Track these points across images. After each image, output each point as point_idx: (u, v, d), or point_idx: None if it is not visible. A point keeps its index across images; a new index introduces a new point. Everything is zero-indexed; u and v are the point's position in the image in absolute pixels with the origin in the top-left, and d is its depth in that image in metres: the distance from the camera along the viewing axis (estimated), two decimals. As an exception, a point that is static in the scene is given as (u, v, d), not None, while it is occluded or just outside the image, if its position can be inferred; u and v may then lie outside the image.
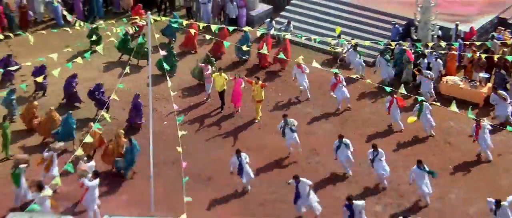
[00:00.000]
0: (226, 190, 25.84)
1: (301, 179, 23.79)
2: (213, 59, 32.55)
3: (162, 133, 28.24)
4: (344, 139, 26.07)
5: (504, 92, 29.33)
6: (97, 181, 23.48)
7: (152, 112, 23.38)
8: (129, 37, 33.60)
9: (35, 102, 28.96)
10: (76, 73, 30.11)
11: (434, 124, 28.51)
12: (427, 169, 24.52)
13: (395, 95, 28.29)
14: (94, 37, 33.80)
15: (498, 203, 22.81)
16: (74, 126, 27.48)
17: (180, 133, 22.27)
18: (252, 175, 25.50)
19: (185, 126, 29.22)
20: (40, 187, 22.17)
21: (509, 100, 29.05)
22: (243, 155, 25.32)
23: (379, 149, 25.48)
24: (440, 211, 24.97)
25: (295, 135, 27.01)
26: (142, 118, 28.98)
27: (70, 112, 27.47)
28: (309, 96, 31.51)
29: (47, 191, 20.93)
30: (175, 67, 32.79)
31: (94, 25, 33.76)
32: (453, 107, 21.91)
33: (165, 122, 29.44)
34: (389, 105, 28.79)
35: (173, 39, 35.91)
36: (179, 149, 22.12)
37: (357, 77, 30.72)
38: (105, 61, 34.25)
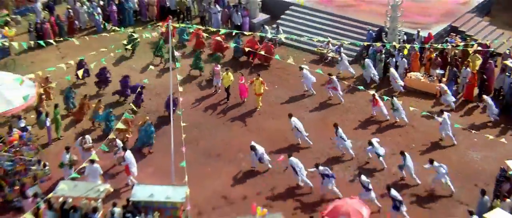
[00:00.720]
0: (232, 164, 25.98)
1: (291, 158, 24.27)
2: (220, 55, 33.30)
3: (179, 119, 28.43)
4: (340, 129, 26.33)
5: (443, 85, 29.79)
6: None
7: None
8: (164, 44, 33.32)
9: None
10: (128, 75, 30.40)
11: (403, 113, 28.65)
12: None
13: (376, 96, 28.66)
14: (129, 41, 33.38)
15: (431, 162, 24.10)
16: (154, 134, 26.58)
17: (182, 124, 22.82)
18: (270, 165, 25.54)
19: (199, 113, 29.45)
20: (92, 161, 23.01)
21: (449, 92, 29.60)
22: (258, 148, 25.20)
23: (339, 128, 26.09)
24: (405, 179, 25.15)
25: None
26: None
27: (150, 122, 26.80)
28: (314, 92, 31.30)
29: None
30: (202, 67, 32.84)
31: (130, 33, 33.60)
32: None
33: (183, 109, 29.54)
34: (373, 104, 29.08)
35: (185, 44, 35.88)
36: (183, 136, 22.79)
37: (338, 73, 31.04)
38: (136, 60, 34.40)
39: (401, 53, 32.10)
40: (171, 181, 23.12)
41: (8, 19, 37.34)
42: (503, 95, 29.92)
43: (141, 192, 21.73)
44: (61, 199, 21.88)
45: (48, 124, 27.01)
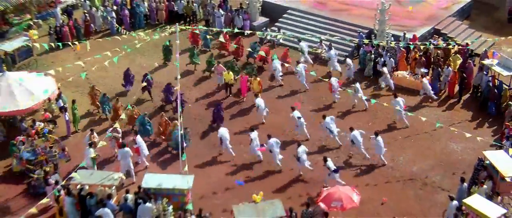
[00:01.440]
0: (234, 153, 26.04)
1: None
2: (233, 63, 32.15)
3: (188, 112, 28.53)
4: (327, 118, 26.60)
5: (425, 81, 30.23)
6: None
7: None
8: (195, 51, 33.14)
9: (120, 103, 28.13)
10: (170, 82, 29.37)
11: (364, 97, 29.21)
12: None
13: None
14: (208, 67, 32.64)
15: (376, 134, 25.18)
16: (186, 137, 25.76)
17: (180, 120, 22.84)
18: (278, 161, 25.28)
19: (202, 108, 29.46)
20: (123, 145, 24.04)
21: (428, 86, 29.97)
22: (273, 140, 25.04)
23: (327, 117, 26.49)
24: (393, 168, 25.29)
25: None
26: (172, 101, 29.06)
27: (188, 130, 26.21)
28: (308, 88, 31.29)
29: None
30: (196, 62, 32.90)
31: (208, 59, 32.68)
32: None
33: (190, 105, 29.68)
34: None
35: (209, 49, 35.21)
36: (181, 132, 22.75)
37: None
38: (147, 59, 34.47)
39: (389, 53, 32.14)
40: (179, 171, 23.19)
41: (31, 23, 37.52)
42: (481, 92, 29.97)
43: (151, 180, 21.87)
44: (78, 186, 22.02)
45: (67, 118, 27.13)
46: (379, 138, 25.17)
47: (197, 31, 34.59)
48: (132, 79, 30.75)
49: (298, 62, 31.57)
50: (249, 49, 33.52)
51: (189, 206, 21.34)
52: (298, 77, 31.06)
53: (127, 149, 24.07)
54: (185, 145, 23.88)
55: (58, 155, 24.62)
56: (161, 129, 26.68)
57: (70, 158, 25.02)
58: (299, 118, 26.79)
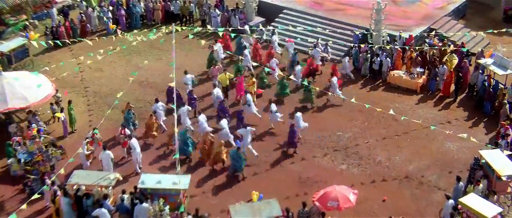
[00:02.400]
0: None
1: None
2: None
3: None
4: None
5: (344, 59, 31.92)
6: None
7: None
8: (214, 56, 32.75)
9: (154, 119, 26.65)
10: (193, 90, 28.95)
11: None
12: None
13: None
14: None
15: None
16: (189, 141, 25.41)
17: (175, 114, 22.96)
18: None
19: (200, 109, 29.47)
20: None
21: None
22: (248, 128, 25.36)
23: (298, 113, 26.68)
24: (389, 167, 25.31)
25: (277, 114, 27.37)
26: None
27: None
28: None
29: None
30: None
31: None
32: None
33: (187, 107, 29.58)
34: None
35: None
36: (175, 129, 22.87)
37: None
38: (143, 59, 34.33)
39: (385, 53, 32.16)
40: (176, 171, 23.15)
41: (27, 23, 37.44)
42: (477, 91, 30.00)
43: (148, 180, 21.81)
44: (75, 187, 21.97)
45: (63, 118, 27.06)
46: (298, 113, 26.55)
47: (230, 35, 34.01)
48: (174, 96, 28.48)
49: (298, 63, 31.51)
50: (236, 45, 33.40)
51: (181, 209, 21.24)
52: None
53: (108, 151, 24.05)
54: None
55: (54, 155, 24.53)
56: (149, 130, 26.37)
57: (64, 150, 24.99)
58: (249, 105, 27.63)
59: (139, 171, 24.57)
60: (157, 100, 27.41)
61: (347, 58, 32.50)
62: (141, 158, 24.93)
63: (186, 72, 29.84)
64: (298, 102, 29.52)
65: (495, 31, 32.36)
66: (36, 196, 20.72)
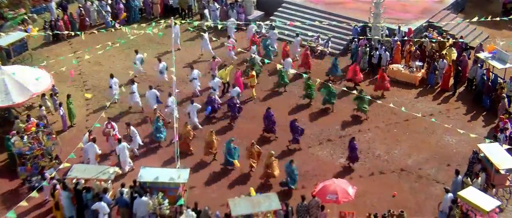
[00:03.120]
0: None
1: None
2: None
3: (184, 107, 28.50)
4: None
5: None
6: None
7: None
8: (232, 53, 32.71)
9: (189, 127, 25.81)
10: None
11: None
12: None
13: None
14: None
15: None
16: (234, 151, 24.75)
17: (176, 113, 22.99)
18: None
19: (201, 103, 29.36)
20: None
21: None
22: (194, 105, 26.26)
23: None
24: (388, 161, 25.37)
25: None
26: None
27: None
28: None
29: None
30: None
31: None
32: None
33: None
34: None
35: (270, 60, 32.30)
36: (175, 125, 22.81)
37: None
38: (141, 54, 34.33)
39: (384, 47, 32.13)
40: (175, 165, 23.19)
41: (26, 17, 37.36)
42: (476, 85, 30.01)
43: (147, 174, 21.82)
44: (74, 181, 21.99)
45: (61, 113, 27.05)
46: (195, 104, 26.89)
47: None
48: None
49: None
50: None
51: (181, 201, 21.25)
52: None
53: (123, 144, 24.27)
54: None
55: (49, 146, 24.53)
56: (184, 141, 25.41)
57: (57, 141, 24.98)
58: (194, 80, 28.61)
59: (137, 153, 25.29)
60: (170, 95, 27.02)
61: (298, 39, 32.98)
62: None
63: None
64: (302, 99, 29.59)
65: (490, 19, 31.88)
66: (34, 194, 20.55)
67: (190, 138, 25.58)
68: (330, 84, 28.44)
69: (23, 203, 20.20)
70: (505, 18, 33.33)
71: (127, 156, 24.38)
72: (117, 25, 31.12)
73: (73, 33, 32.59)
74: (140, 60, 30.87)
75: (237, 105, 27.57)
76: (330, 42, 33.81)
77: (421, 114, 26.54)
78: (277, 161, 23.89)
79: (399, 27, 33.97)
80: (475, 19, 30.79)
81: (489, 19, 30.93)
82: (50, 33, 34.78)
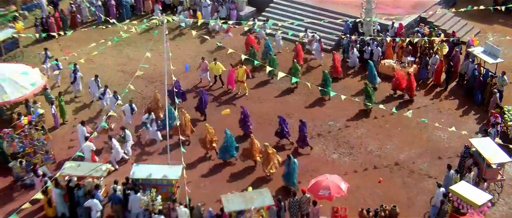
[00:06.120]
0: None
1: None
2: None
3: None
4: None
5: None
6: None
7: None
8: (254, 50, 32.15)
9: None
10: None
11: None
12: None
13: None
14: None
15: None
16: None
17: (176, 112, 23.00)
18: None
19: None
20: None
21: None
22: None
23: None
24: (380, 156, 25.44)
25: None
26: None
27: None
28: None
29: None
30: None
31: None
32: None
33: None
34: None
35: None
36: (177, 123, 22.94)
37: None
38: (134, 50, 34.24)
39: (375, 42, 32.19)
40: (167, 161, 23.17)
41: (16, 14, 37.17)
42: (467, 80, 30.12)
43: (140, 171, 21.80)
44: (66, 178, 21.93)
45: (53, 111, 26.93)
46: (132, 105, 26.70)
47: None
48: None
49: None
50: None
51: (173, 198, 21.24)
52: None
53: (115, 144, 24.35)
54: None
55: (44, 157, 24.36)
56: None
57: (55, 160, 24.69)
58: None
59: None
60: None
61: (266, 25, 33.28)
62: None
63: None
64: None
65: (477, 8, 31.95)
66: (38, 195, 20.10)
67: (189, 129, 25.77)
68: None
69: (26, 205, 19.80)
70: (490, 8, 33.44)
71: (119, 151, 24.43)
72: (110, 20, 30.80)
73: (63, 33, 32.40)
74: (128, 111, 27.53)
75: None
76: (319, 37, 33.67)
77: (412, 111, 26.47)
78: (278, 158, 24.00)
79: (393, 23, 33.99)
80: (463, 10, 30.93)
81: (475, 8, 31.06)
82: (41, 29, 34.59)
